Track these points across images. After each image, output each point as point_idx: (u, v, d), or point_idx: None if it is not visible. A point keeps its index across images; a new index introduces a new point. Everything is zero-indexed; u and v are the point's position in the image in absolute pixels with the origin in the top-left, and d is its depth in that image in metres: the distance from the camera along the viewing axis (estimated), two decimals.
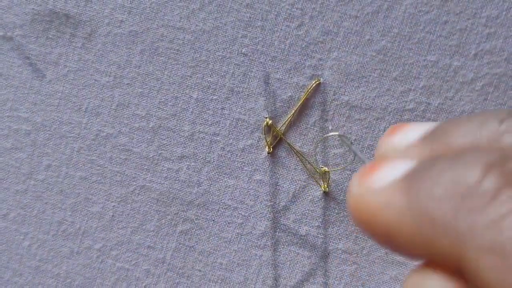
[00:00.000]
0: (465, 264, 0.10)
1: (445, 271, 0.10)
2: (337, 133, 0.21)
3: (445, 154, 0.11)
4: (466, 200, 0.10)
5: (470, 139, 0.11)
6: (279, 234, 0.22)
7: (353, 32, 0.21)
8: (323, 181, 0.22)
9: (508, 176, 0.09)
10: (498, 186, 0.09)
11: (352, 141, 0.21)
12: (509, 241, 0.09)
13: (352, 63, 0.21)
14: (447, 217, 0.10)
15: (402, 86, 0.21)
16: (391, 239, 0.11)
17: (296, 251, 0.22)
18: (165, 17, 0.21)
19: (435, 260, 0.10)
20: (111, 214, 0.23)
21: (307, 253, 0.22)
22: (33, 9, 0.21)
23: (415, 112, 0.21)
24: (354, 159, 0.22)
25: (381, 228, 0.11)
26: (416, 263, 0.12)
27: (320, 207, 0.22)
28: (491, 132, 0.11)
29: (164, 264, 0.23)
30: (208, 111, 0.22)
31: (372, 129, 0.22)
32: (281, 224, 0.22)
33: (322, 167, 0.22)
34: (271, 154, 0.22)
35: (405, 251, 0.11)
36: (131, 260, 0.23)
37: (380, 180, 0.11)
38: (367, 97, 0.21)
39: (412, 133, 0.12)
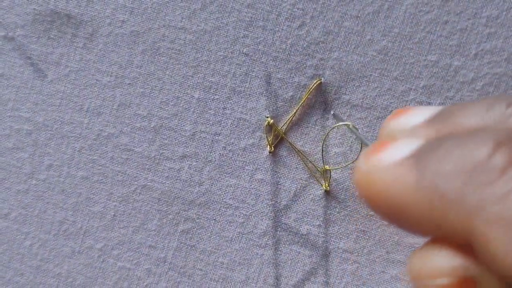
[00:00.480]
0: (474, 237, 0.10)
1: (452, 247, 0.11)
2: (345, 123, 0.21)
3: (453, 134, 0.11)
4: (475, 175, 0.10)
5: (477, 121, 0.11)
6: (280, 233, 0.23)
7: (354, 32, 0.21)
8: (324, 180, 0.22)
9: None
10: (506, 162, 0.10)
11: (358, 130, 0.22)
12: None
13: (353, 62, 0.22)
14: (457, 192, 0.10)
15: (403, 85, 0.22)
16: (399, 216, 0.11)
17: (297, 250, 0.23)
18: (167, 17, 0.22)
19: (443, 235, 0.11)
20: (113, 213, 0.23)
21: (308, 252, 0.23)
22: (34, 9, 0.22)
23: None
24: (361, 148, 0.22)
25: (389, 204, 0.11)
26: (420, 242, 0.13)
27: (321, 206, 0.23)
28: (498, 115, 0.11)
29: (166, 263, 0.23)
30: (209, 111, 0.22)
31: (373, 128, 0.22)
32: (282, 223, 0.23)
33: (323, 166, 0.22)
34: (273, 154, 0.23)
35: (412, 228, 0.11)
36: (132, 260, 0.23)
37: (388, 158, 0.12)
38: (368, 96, 0.22)
39: (417, 115, 0.13)
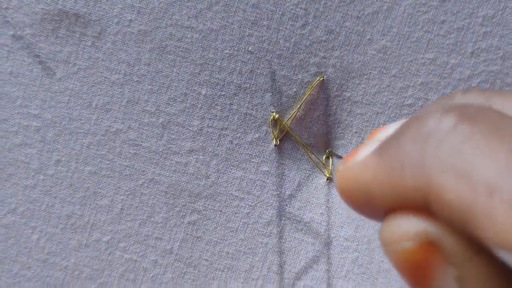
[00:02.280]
0: (431, 192, 0.12)
1: (416, 213, 0.13)
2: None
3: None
4: (429, 138, 0.12)
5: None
6: (285, 222, 0.26)
7: (354, 32, 0.24)
8: (326, 168, 0.26)
9: (465, 113, 0.12)
10: (456, 120, 0.12)
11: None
12: (468, 162, 0.11)
13: (353, 61, 0.24)
14: (415, 157, 0.12)
15: (401, 82, 0.24)
16: (369, 198, 0.14)
17: (301, 238, 0.25)
18: (174, 16, 0.24)
19: (406, 204, 0.13)
20: (120, 207, 0.25)
21: (311, 240, 0.25)
22: (42, 8, 0.24)
23: (414, 107, 0.24)
24: None
25: (360, 190, 0.14)
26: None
27: (323, 194, 0.26)
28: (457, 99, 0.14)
29: (172, 254, 0.26)
30: (216, 107, 0.25)
31: (372, 123, 0.25)
32: (286, 212, 0.26)
33: (326, 153, 0.26)
34: (278, 147, 0.26)
35: (381, 208, 0.14)
36: (139, 252, 0.25)
37: (359, 156, 0.15)
38: (368, 93, 0.25)
39: (389, 129, 0.15)
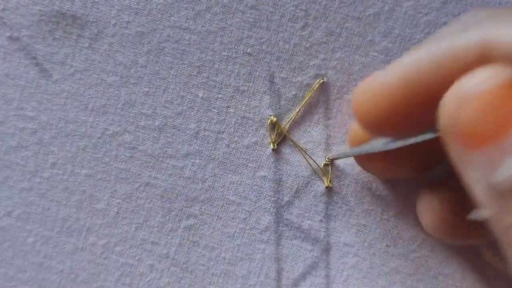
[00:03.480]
0: (491, 41, 0.13)
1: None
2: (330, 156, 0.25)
3: None
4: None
5: None
6: (282, 229, 0.25)
7: (355, 33, 0.24)
8: (325, 176, 0.25)
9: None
10: None
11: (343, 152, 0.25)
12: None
13: (354, 63, 0.24)
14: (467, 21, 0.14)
15: None
16: (390, 114, 0.15)
17: (299, 244, 0.25)
18: (171, 18, 0.24)
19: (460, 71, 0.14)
20: (116, 210, 0.25)
21: (310, 246, 0.25)
22: (39, 10, 0.24)
23: None
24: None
25: (381, 102, 0.15)
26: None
27: (322, 201, 0.25)
28: None
29: (168, 259, 0.25)
30: (213, 110, 0.25)
31: None
32: (284, 219, 0.25)
33: (324, 161, 0.25)
34: (276, 151, 0.25)
35: (402, 125, 0.15)
36: (135, 256, 0.25)
37: (375, 78, 0.16)
38: None
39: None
